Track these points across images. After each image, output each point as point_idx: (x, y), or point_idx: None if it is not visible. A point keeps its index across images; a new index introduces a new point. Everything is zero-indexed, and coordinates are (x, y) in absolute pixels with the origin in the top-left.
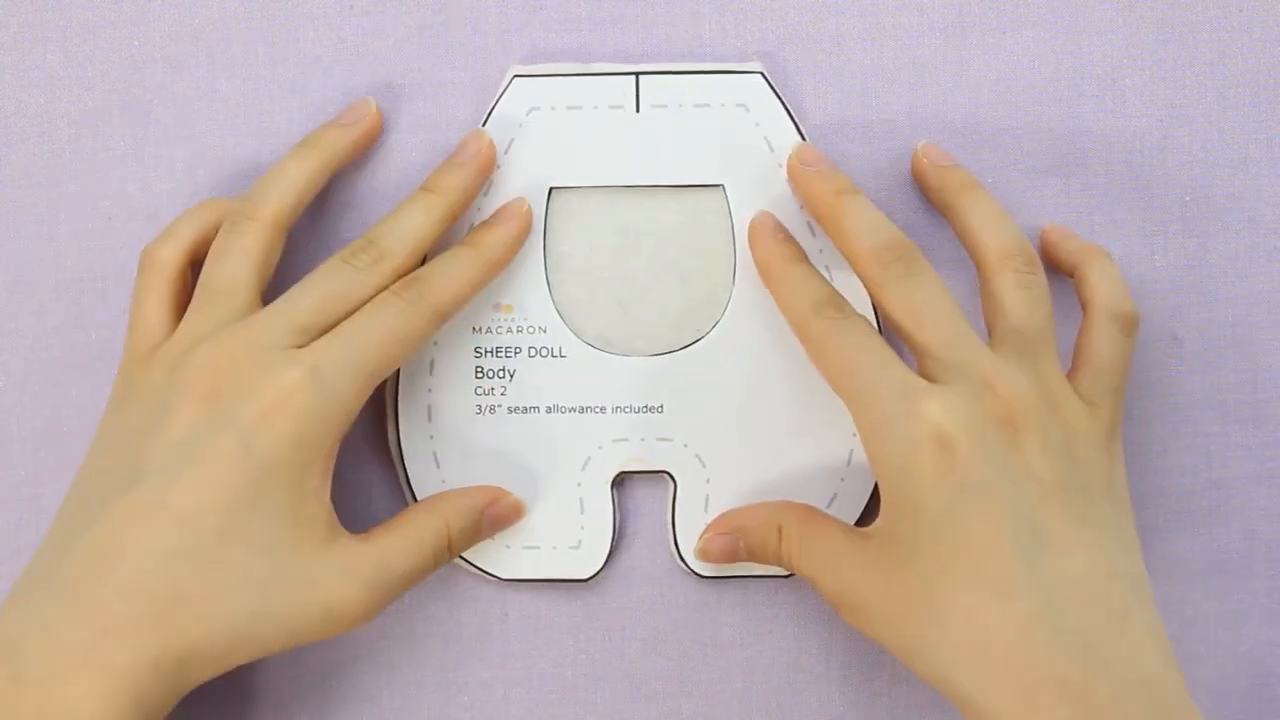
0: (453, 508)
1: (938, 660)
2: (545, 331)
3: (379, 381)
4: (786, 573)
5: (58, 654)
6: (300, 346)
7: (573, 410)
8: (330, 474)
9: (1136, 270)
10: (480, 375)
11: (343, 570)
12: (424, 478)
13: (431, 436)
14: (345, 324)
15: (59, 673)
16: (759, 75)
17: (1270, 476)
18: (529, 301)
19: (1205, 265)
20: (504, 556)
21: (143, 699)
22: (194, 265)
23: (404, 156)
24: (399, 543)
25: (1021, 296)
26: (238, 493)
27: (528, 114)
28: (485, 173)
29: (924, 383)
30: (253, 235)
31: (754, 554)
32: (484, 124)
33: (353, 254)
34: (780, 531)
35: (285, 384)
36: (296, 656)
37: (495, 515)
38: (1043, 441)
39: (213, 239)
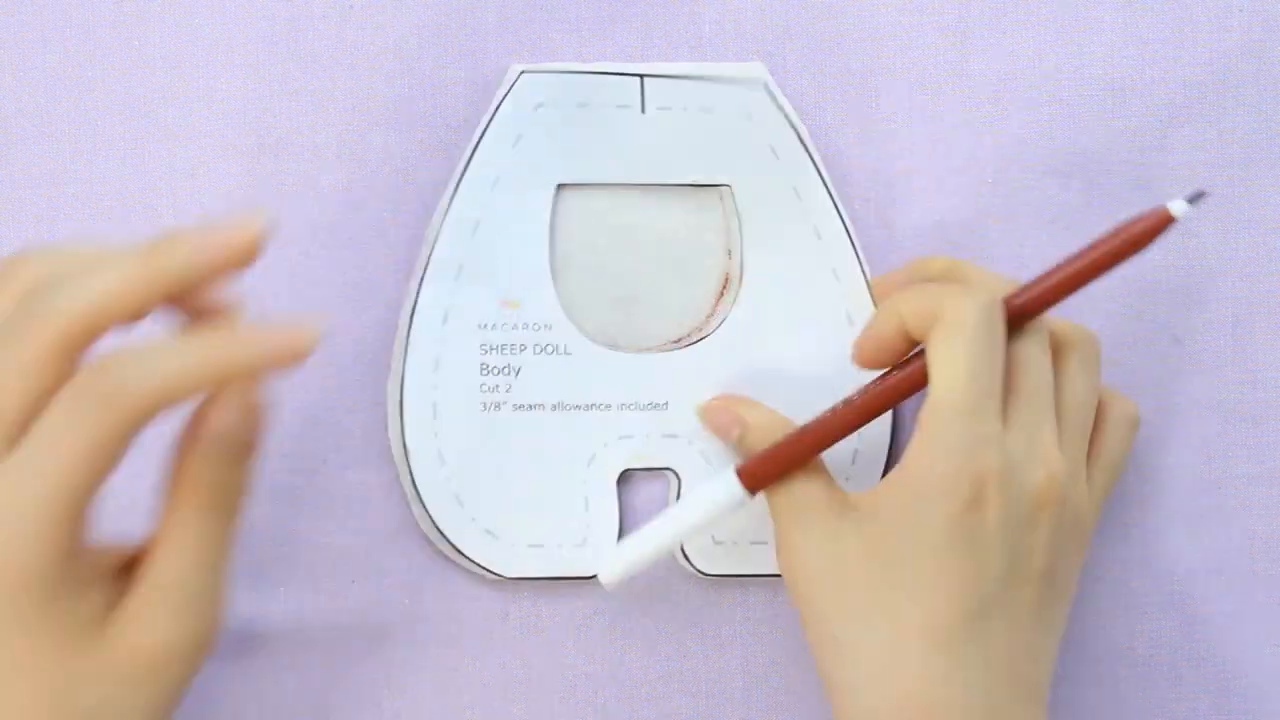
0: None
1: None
2: (550, 329)
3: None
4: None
5: None
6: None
7: (578, 407)
8: (60, 598)
9: (1136, 270)
10: (485, 372)
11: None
12: (429, 475)
13: (436, 434)
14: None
15: None
16: (762, 82)
17: (1270, 476)
18: (534, 298)
19: (1205, 265)
20: (508, 555)
21: None
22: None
23: (403, 156)
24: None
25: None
26: None
27: (535, 109)
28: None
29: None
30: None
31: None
32: (490, 119)
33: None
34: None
35: None
36: (295, 656)
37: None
38: (1054, 530)
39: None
